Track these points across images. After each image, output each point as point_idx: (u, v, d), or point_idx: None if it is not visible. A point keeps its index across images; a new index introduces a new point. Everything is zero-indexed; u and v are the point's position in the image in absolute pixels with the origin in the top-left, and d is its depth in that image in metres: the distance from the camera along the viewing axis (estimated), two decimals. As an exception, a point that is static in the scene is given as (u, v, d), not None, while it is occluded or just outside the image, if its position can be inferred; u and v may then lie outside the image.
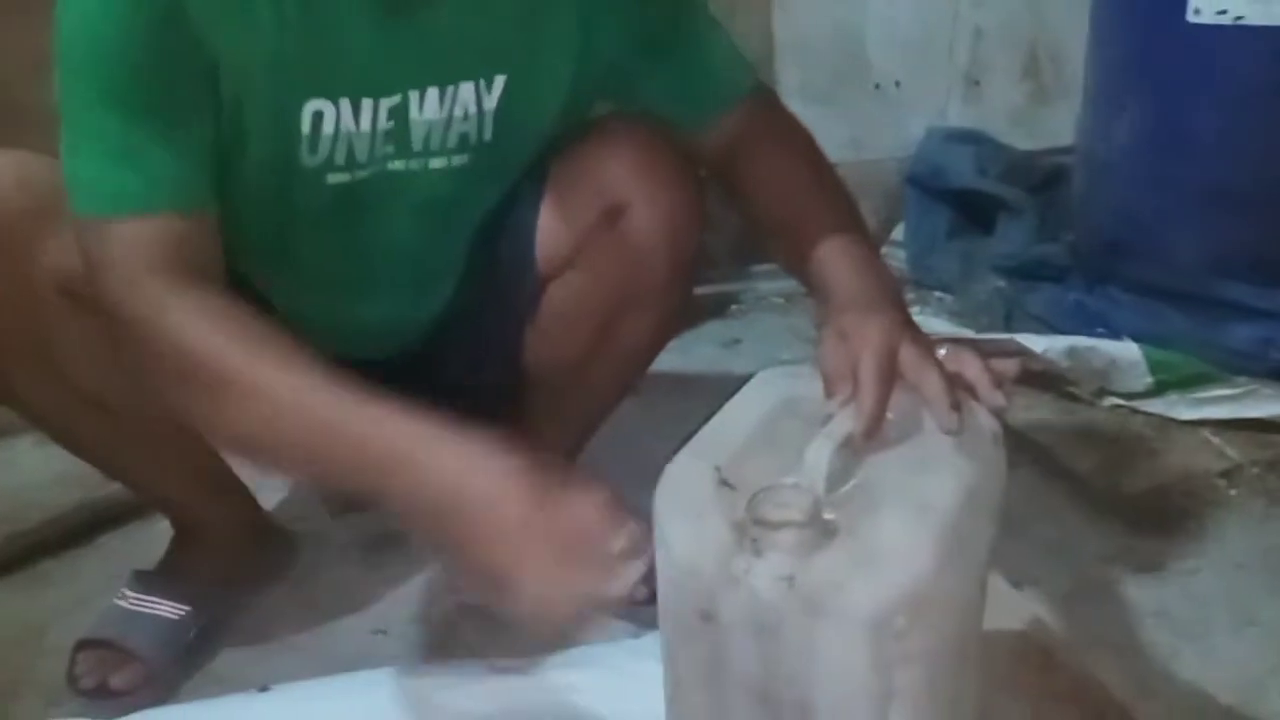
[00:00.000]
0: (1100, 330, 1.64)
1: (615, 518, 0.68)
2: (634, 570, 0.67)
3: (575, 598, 0.68)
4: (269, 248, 0.97)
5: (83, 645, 1.09)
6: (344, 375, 0.76)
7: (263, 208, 0.91)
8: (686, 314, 1.77)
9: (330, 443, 0.75)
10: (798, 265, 0.93)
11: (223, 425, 0.80)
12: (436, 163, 0.95)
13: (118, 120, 0.78)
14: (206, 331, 0.78)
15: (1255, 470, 1.40)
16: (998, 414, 0.76)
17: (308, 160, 0.89)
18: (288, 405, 0.75)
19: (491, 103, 0.94)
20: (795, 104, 1.08)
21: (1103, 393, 1.55)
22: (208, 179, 0.83)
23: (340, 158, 0.90)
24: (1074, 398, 1.56)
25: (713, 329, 1.97)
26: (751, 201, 1.01)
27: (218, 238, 0.84)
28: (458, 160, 0.96)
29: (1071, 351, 1.54)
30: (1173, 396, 1.52)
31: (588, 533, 0.68)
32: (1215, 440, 1.47)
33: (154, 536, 1.23)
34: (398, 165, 0.93)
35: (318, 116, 0.87)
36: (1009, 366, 0.78)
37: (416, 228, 0.99)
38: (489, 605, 0.74)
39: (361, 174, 0.92)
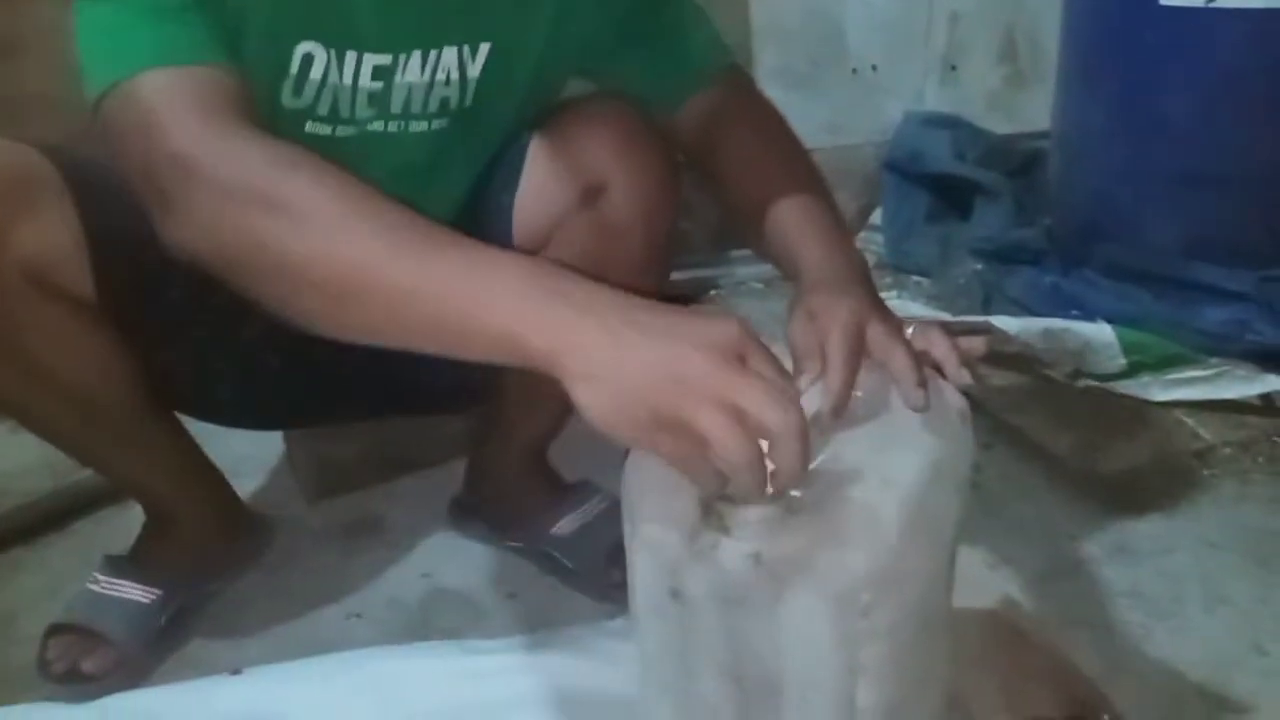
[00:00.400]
0: (1075, 313, 1.64)
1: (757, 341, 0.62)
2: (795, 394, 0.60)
3: (752, 431, 0.59)
4: None
5: (54, 630, 1.09)
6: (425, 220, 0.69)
7: None
8: (663, 298, 1.78)
9: (422, 284, 0.65)
10: (768, 246, 0.93)
11: (298, 258, 0.68)
12: (416, 126, 0.95)
13: None
14: (278, 162, 0.71)
15: (1228, 451, 1.41)
16: (965, 391, 0.76)
17: (290, 101, 0.88)
18: (364, 235, 0.67)
19: (475, 70, 0.94)
20: (772, 88, 1.08)
21: (1077, 374, 1.55)
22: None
23: (323, 108, 0.89)
24: (1049, 379, 1.57)
25: (691, 314, 1.97)
26: (723, 183, 1.00)
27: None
28: (437, 125, 0.96)
29: (1046, 333, 1.54)
30: (1146, 378, 1.53)
31: (753, 360, 0.60)
32: (1189, 421, 1.48)
33: (127, 522, 1.23)
34: (377, 126, 0.93)
35: (307, 59, 0.86)
36: (976, 345, 0.78)
37: (391, 192, 0.98)
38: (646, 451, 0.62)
39: (343, 130, 0.91)
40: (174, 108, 0.73)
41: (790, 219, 0.91)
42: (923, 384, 0.72)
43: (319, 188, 0.69)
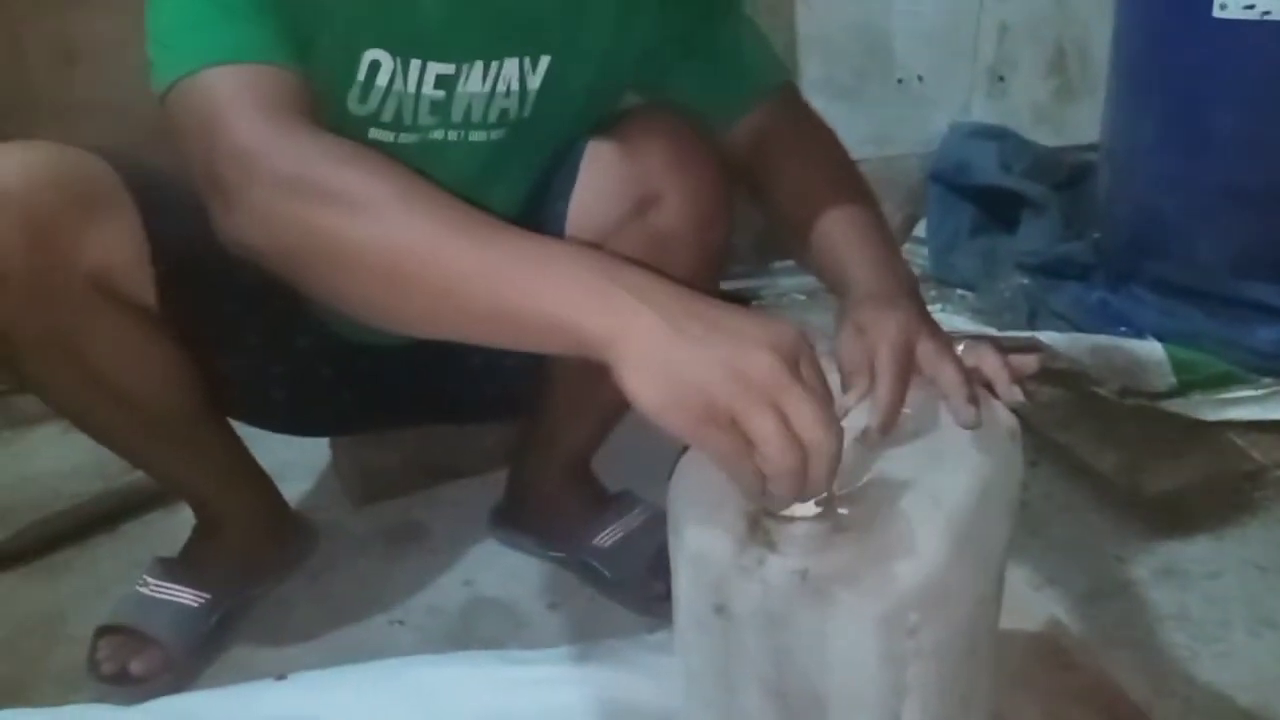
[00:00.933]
0: (1123, 329, 1.63)
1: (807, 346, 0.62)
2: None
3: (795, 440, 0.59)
4: None
5: (103, 631, 1.10)
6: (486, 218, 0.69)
7: None
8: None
9: (478, 269, 0.65)
10: (816, 261, 0.93)
11: (354, 245, 0.68)
12: (476, 135, 0.96)
13: None
14: (336, 156, 0.71)
15: (1279, 472, 1.39)
16: (1015, 409, 0.75)
17: (355, 108, 0.89)
18: (420, 221, 0.67)
19: (535, 82, 0.95)
20: (817, 99, 1.08)
21: (1126, 392, 1.53)
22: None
23: (388, 114, 0.91)
24: (1096, 397, 1.55)
25: (734, 325, 1.97)
26: (773, 198, 1.01)
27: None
28: (495, 135, 0.97)
29: (1094, 350, 1.52)
30: (1197, 397, 1.50)
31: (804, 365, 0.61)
32: (1239, 442, 1.45)
33: (176, 525, 1.24)
34: (438, 135, 0.94)
35: (374, 66, 0.87)
36: (1028, 362, 0.78)
37: None
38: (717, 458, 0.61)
39: (405, 138, 0.93)
40: (237, 104, 0.74)
41: (839, 233, 0.91)
42: (974, 401, 0.71)
43: (376, 178, 0.70)
